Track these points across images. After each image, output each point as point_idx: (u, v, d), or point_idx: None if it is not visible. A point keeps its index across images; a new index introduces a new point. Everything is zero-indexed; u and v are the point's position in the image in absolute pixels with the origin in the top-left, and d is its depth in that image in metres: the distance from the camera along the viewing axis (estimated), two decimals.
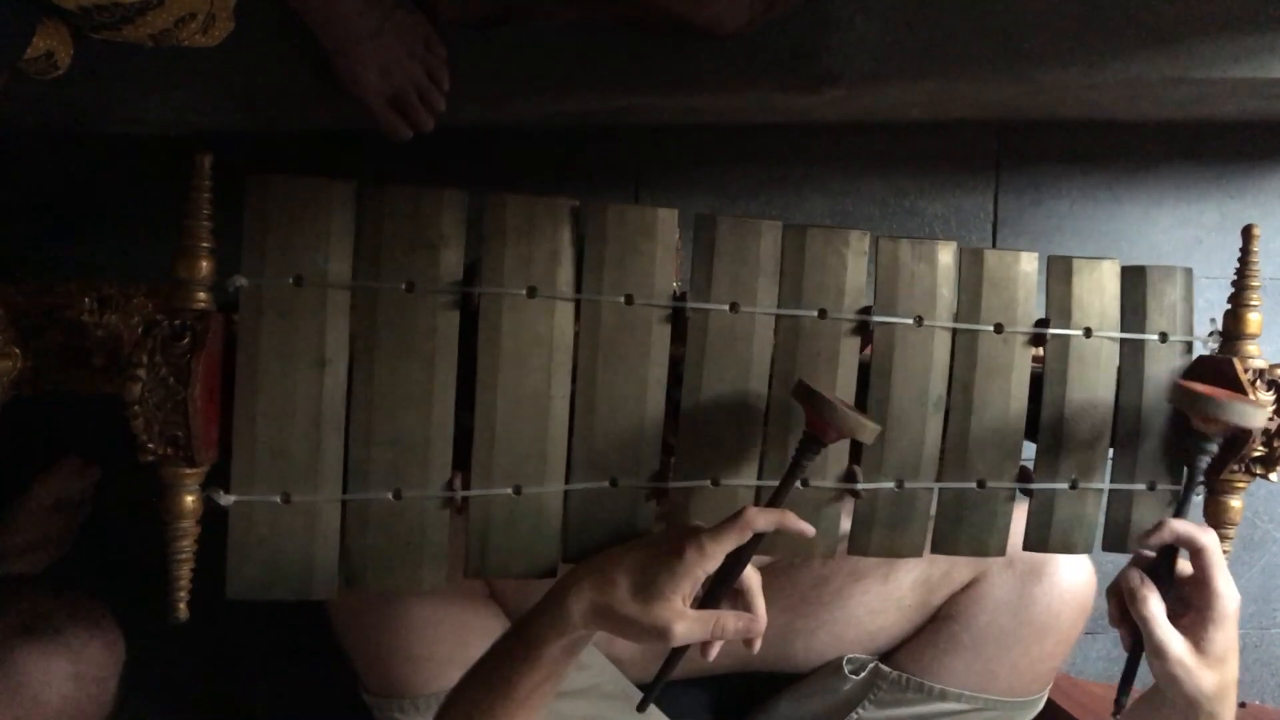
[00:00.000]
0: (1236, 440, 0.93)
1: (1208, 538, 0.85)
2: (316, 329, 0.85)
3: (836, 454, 0.92)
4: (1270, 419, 0.93)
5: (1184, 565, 0.87)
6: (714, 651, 0.85)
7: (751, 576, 0.85)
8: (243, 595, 0.86)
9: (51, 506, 1.25)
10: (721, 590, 0.83)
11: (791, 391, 0.88)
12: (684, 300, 0.88)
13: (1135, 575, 0.86)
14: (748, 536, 0.81)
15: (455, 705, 0.85)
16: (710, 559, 0.79)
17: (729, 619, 0.82)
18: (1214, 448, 0.87)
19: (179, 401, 0.81)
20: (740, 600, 0.85)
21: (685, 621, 0.79)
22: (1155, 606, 0.84)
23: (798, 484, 0.89)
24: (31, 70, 0.92)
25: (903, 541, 0.94)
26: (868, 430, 0.83)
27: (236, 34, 1.04)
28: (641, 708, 0.90)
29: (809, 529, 0.85)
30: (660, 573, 0.79)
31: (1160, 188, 1.48)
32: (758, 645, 0.85)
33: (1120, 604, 0.87)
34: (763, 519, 0.81)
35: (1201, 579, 0.85)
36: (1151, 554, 0.88)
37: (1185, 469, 0.90)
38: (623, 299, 0.87)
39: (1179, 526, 0.85)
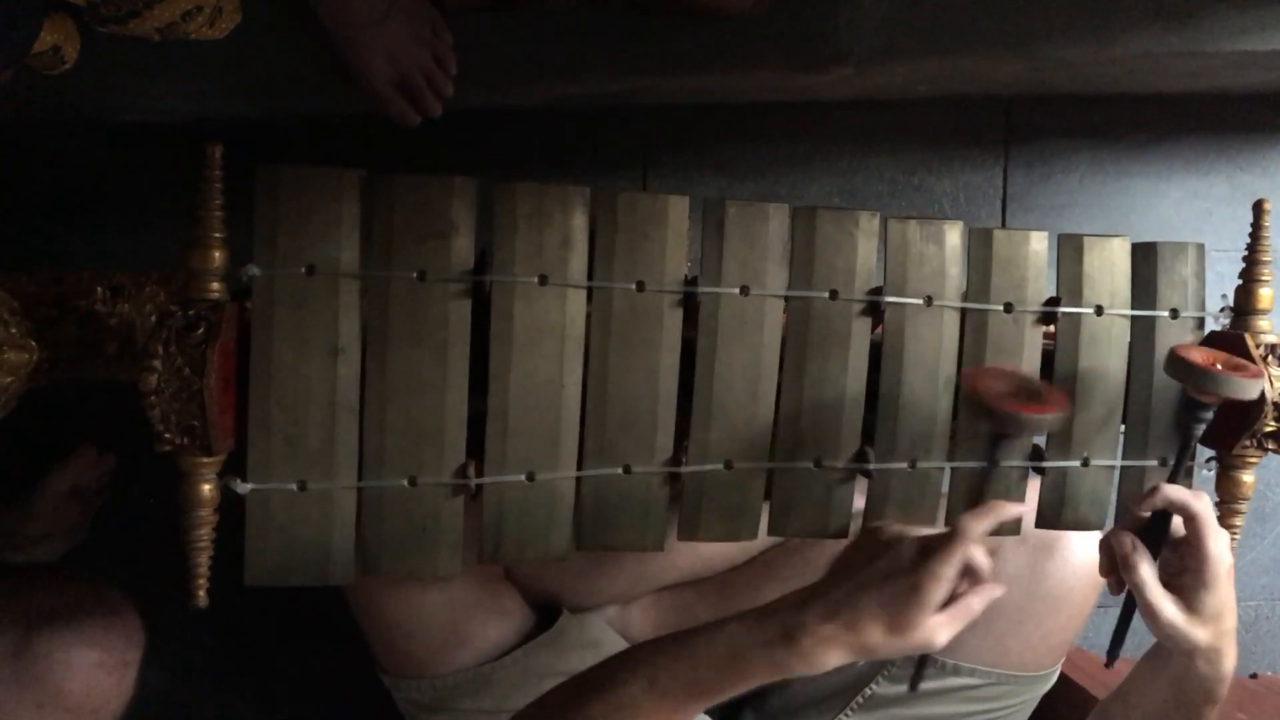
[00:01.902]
0: (1249, 416, 0.93)
1: (1200, 503, 0.86)
2: (329, 318, 0.85)
3: (848, 436, 0.92)
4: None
5: (1177, 525, 0.88)
6: None
7: (973, 551, 0.84)
8: (261, 582, 0.87)
9: (68, 494, 1.26)
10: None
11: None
12: (694, 285, 0.89)
13: (1128, 539, 0.87)
14: (973, 544, 0.81)
15: (601, 689, 0.81)
16: (949, 581, 0.79)
17: (974, 601, 0.82)
18: (1208, 415, 0.88)
19: (195, 392, 0.81)
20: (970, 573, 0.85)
21: (942, 630, 0.79)
22: (1146, 571, 0.86)
23: (809, 464, 0.90)
24: (39, 65, 0.92)
25: (916, 521, 0.94)
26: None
27: (243, 21, 1.04)
28: (913, 688, 0.93)
29: (1019, 508, 0.86)
30: (908, 612, 0.78)
31: (1170, 161, 1.47)
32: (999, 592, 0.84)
33: (1110, 556, 0.89)
34: (983, 524, 0.82)
35: (1194, 543, 0.86)
36: (1144, 515, 0.89)
37: (1180, 436, 0.90)
38: (634, 285, 0.88)
39: (1172, 492, 0.86)
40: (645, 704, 0.79)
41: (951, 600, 0.81)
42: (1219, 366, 0.86)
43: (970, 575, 0.84)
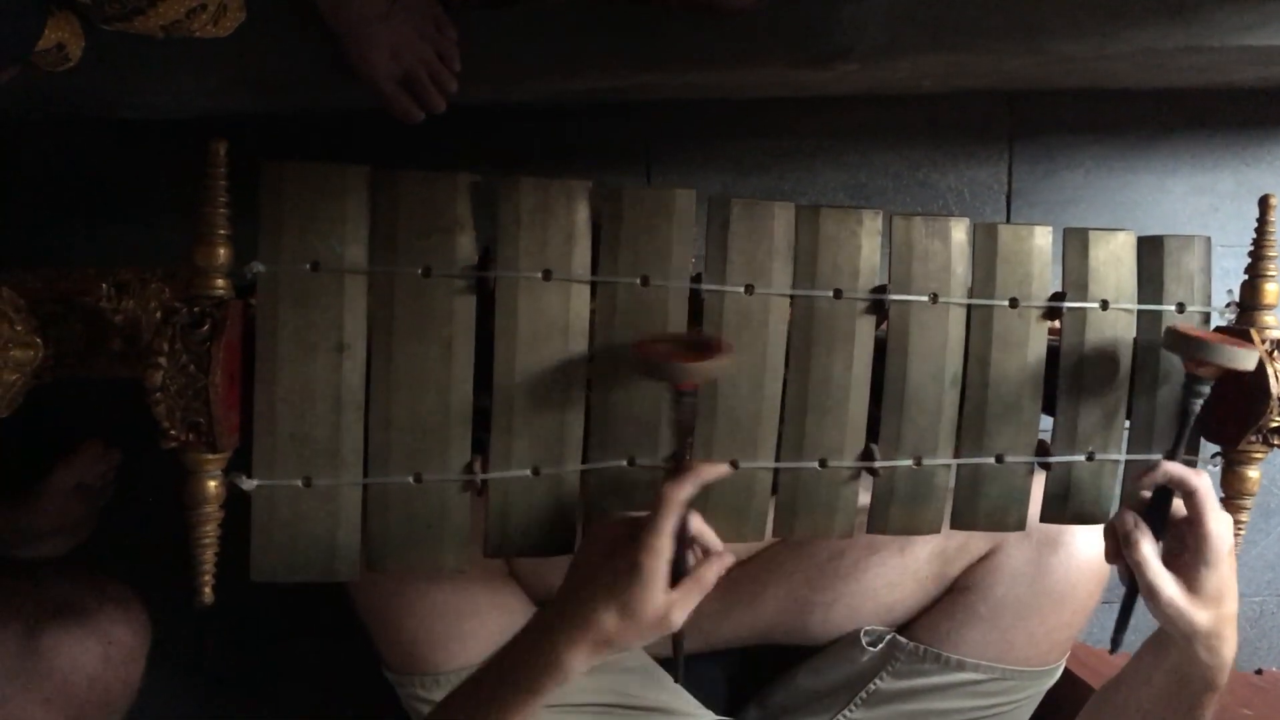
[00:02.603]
0: (1254, 410, 0.93)
1: (1200, 480, 0.87)
2: (334, 314, 0.85)
3: (854, 434, 0.92)
4: None
5: (1179, 505, 0.89)
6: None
7: (690, 520, 0.85)
8: (267, 578, 0.87)
9: (73, 490, 1.26)
10: (680, 553, 0.83)
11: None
12: (699, 281, 0.89)
13: (1129, 518, 0.88)
14: (681, 511, 0.82)
15: None
16: (664, 552, 0.80)
17: (706, 572, 0.83)
18: (1206, 389, 0.89)
19: (200, 388, 0.81)
20: (696, 545, 0.87)
21: (676, 607, 0.81)
22: (1147, 549, 0.87)
23: (814, 464, 0.90)
24: (43, 63, 0.92)
25: (921, 518, 0.95)
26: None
27: (247, 18, 1.04)
28: (679, 680, 0.94)
29: (722, 467, 0.87)
30: (632, 590, 0.79)
31: (1175, 156, 1.47)
32: (730, 560, 0.87)
33: (1116, 542, 0.89)
34: (684, 489, 0.82)
35: (1194, 520, 0.86)
36: (1146, 495, 0.89)
37: (1179, 412, 0.91)
38: (639, 280, 0.88)
39: (1172, 469, 0.87)
40: None
41: (684, 577, 0.83)
42: (1215, 339, 0.87)
43: (696, 544, 0.86)
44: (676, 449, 0.88)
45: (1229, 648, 0.87)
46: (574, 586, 0.84)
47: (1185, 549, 0.87)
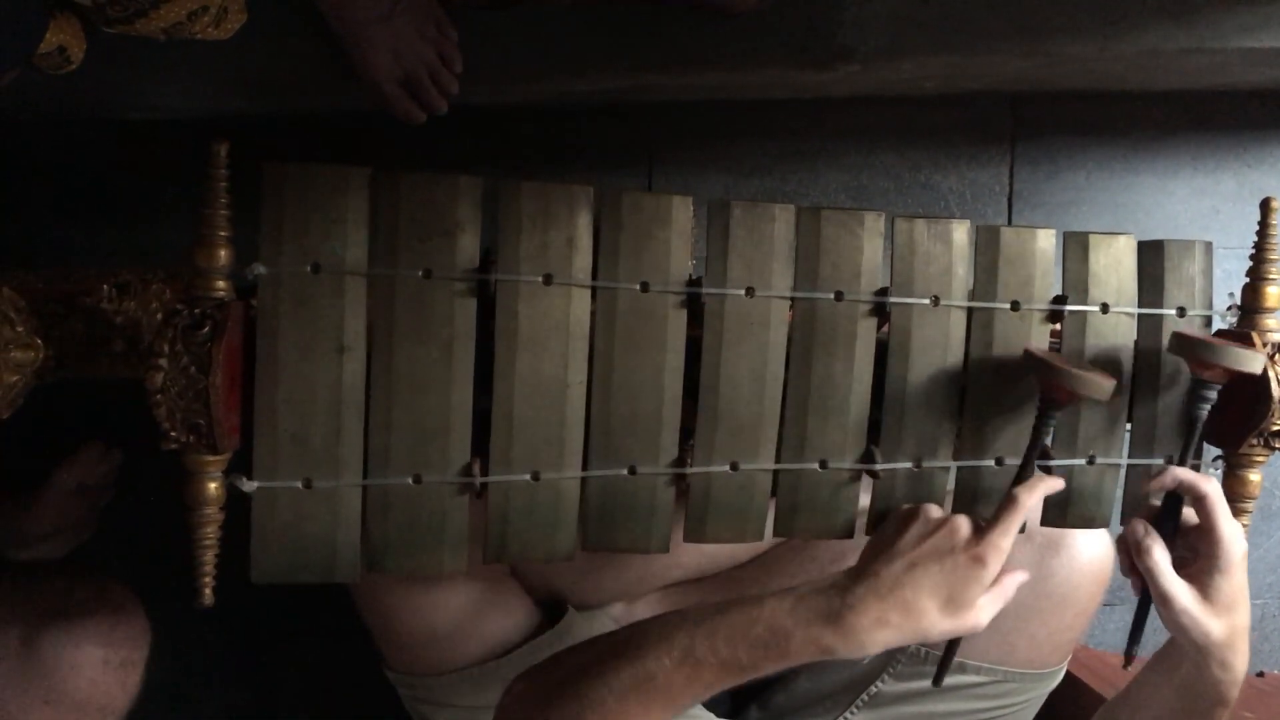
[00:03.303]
0: (1256, 413, 0.93)
1: (1210, 485, 0.86)
2: (335, 316, 0.85)
3: (854, 436, 0.92)
4: None
5: (1189, 514, 0.88)
6: None
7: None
8: (267, 579, 0.87)
9: (74, 491, 1.26)
10: None
11: (1021, 361, 0.91)
12: (699, 285, 0.89)
13: (1140, 526, 0.88)
14: (1025, 514, 0.82)
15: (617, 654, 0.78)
16: (1007, 552, 0.80)
17: (1009, 582, 0.82)
18: (1213, 394, 0.89)
19: (200, 390, 0.81)
20: None
21: (987, 610, 0.80)
22: (1159, 556, 0.86)
23: (815, 466, 0.89)
24: (44, 65, 0.92)
25: None
26: (1100, 387, 0.84)
27: (249, 19, 1.04)
28: (937, 683, 0.93)
29: (1060, 481, 0.89)
30: (969, 586, 0.78)
31: (1177, 158, 1.47)
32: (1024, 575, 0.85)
33: (1129, 555, 0.89)
34: (1034, 495, 0.83)
35: (1206, 526, 0.86)
36: (1156, 503, 0.89)
37: (1186, 418, 0.90)
38: (638, 286, 0.88)
39: (1182, 474, 0.87)
40: (675, 679, 0.76)
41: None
42: (1221, 342, 0.87)
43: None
44: (1027, 456, 0.88)
45: (1241, 660, 0.86)
46: (895, 567, 0.80)
47: (1197, 556, 0.87)
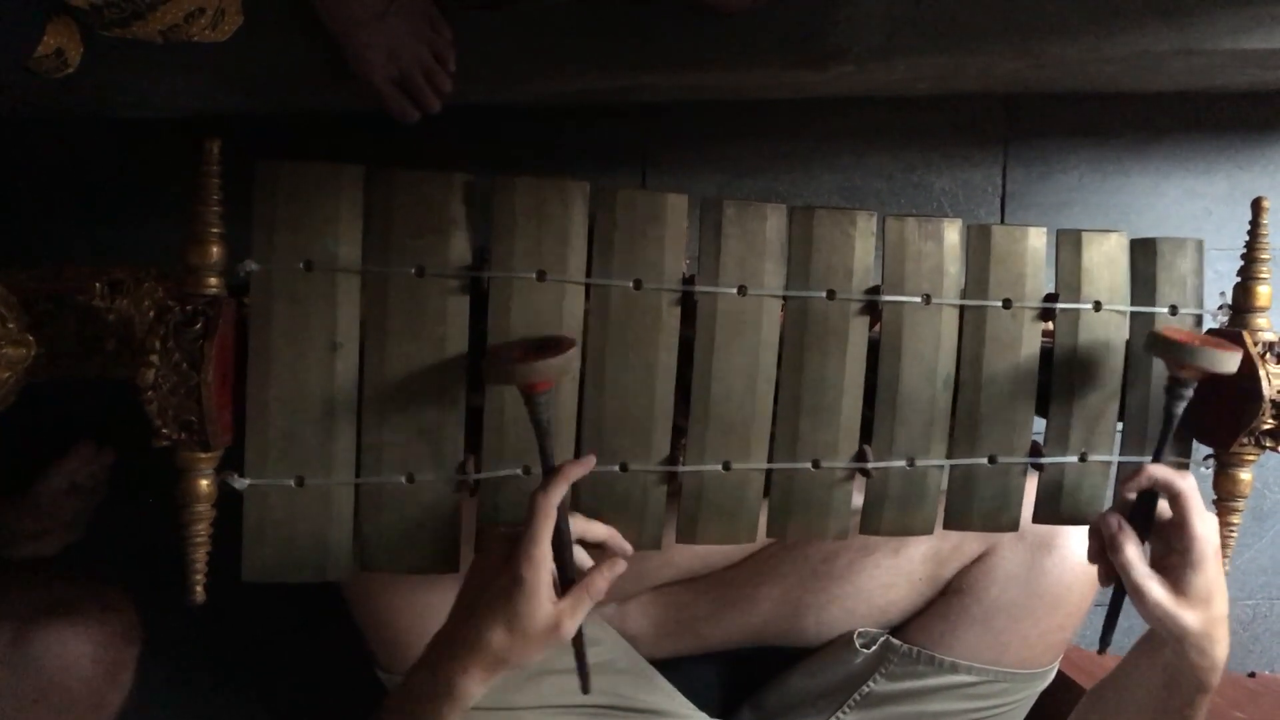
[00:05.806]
0: (1246, 413, 0.93)
1: (1185, 482, 0.87)
2: (328, 313, 0.85)
3: (847, 435, 0.92)
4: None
5: (1164, 508, 0.89)
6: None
7: (573, 522, 0.85)
8: (258, 578, 0.87)
9: (66, 490, 1.26)
10: (566, 560, 0.83)
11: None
12: (692, 283, 0.89)
13: (1114, 521, 0.88)
14: (554, 517, 0.80)
15: None
16: (543, 561, 0.79)
17: (595, 579, 0.82)
18: (1189, 392, 0.88)
19: (192, 387, 0.81)
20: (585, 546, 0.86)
21: (566, 616, 0.80)
22: (1133, 552, 0.87)
23: (808, 465, 0.90)
24: (41, 68, 0.92)
25: (914, 520, 0.95)
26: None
27: (244, 17, 1.04)
28: (585, 691, 0.89)
29: (590, 461, 0.86)
30: (516, 605, 0.78)
31: (1169, 159, 1.48)
32: (629, 549, 0.87)
33: (1099, 542, 0.90)
34: (552, 495, 0.81)
35: (1179, 522, 0.86)
36: (1131, 498, 0.89)
37: (1164, 415, 0.91)
38: (632, 283, 0.88)
39: (1157, 471, 0.87)
40: None
41: (567, 579, 0.82)
42: (1197, 343, 0.87)
43: (584, 544, 0.85)
44: (541, 453, 0.84)
45: (1220, 648, 0.87)
46: (461, 608, 0.83)
47: (1171, 551, 0.87)
